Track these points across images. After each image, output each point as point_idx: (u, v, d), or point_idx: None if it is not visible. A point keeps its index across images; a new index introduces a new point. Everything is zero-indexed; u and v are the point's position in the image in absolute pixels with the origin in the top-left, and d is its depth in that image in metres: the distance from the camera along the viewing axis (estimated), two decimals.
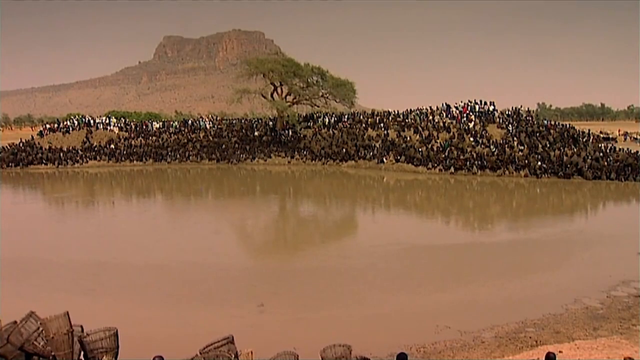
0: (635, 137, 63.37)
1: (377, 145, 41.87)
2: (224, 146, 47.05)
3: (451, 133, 39.77)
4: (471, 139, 38.54)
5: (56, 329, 6.32)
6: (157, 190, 33.91)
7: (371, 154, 41.42)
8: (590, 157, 33.85)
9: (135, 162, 46.06)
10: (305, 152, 44.74)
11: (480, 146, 37.42)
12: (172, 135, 49.30)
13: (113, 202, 22.47)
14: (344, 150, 42.95)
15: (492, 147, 36.87)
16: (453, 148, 37.87)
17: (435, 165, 37.12)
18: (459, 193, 30.37)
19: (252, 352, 6.90)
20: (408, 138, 41.03)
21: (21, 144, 47.01)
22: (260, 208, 26.79)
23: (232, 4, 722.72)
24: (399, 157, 39.54)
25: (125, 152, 46.66)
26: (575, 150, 35.14)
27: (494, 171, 35.02)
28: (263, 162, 45.03)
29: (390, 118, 45.88)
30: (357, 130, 44.82)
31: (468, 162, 36.16)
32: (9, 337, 6.31)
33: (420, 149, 38.98)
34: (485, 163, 35.61)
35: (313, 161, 43.71)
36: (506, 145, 36.72)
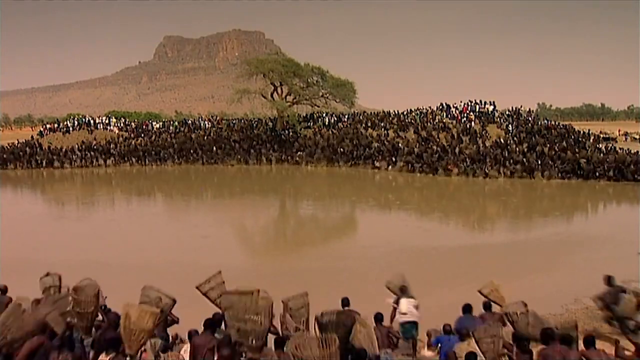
0: (635, 137, 63.35)
1: (377, 145, 41.85)
2: (224, 146, 47.04)
3: (451, 133, 39.75)
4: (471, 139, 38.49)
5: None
6: (157, 191, 33.92)
7: (371, 154, 41.38)
8: (590, 157, 33.81)
9: (135, 162, 46.06)
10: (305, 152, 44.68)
11: (481, 146, 37.38)
12: (172, 135, 49.30)
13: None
14: (344, 150, 42.92)
15: (492, 147, 36.81)
16: (453, 148, 37.83)
17: (435, 165, 37.06)
18: (459, 193, 30.34)
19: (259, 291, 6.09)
20: (408, 138, 40.99)
21: (21, 144, 47.04)
22: (259, 208, 26.76)
23: (232, 4, 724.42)
24: (398, 158, 39.49)
25: (125, 152, 46.66)
26: (575, 150, 35.11)
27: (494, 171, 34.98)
28: (263, 162, 44.98)
29: (390, 118, 45.87)
30: (357, 130, 44.81)
31: (467, 162, 36.11)
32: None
33: (420, 149, 38.93)
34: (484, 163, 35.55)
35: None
36: (506, 145, 36.67)
